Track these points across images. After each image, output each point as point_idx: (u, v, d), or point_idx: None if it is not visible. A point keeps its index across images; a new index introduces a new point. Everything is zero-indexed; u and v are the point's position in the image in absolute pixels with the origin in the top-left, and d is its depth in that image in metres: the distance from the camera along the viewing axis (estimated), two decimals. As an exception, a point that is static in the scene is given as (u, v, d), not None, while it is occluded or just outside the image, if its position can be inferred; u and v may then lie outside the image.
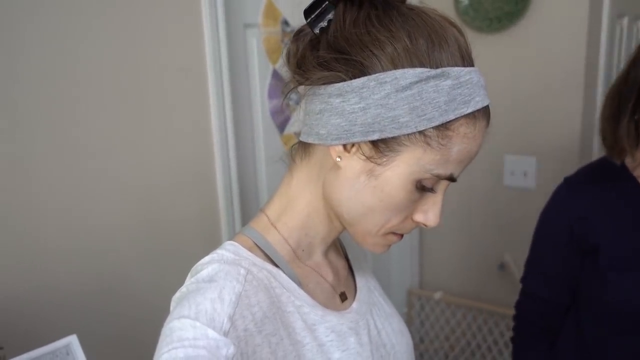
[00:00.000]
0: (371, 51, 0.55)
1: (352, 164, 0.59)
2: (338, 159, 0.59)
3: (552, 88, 1.84)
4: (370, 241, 0.64)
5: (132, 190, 1.31)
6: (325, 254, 0.71)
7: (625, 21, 2.04)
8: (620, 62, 2.05)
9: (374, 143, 0.57)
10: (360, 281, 0.76)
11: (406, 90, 0.54)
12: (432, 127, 0.55)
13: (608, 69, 1.91)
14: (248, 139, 1.66)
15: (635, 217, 1.07)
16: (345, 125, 0.57)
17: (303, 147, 0.66)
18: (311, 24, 0.59)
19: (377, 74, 0.55)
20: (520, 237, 2.04)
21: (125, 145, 1.29)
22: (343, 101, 0.56)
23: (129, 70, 1.27)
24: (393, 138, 0.56)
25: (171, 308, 0.56)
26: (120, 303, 1.31)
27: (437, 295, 2.24)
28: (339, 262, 0.75)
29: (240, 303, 0.55)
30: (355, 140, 0.57)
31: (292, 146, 0.68)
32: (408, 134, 0.55)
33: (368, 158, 0.58)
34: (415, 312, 2.37)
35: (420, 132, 0.55)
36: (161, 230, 1.39)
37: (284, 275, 0.63)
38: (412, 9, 0.58)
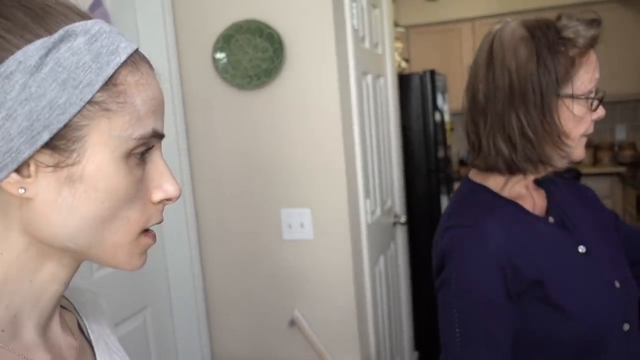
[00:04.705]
0: None
1: (43, 185, 0.48)
2: (22, 191, 0.47)
3: (314, 141, 1.91)
4: (124, 257, 0.53)
5: None
6: (44, 329, 0.55)
7: (369, 78, 2.27)
8: (371, 112, 2.26)
9: (50, 145, 0.46)
10: None
11: (42, 68, 0.45)
12: (98, 91, 0.47)
13: (361, 119, 2.07)
14: None
15: (543, 239, 0.99)
16: (2, 147, 0.45)
17: None
18: None
19: None
20: (307, 290, 2.04)
21: None
22: None
23: None
24: (66, 126, 0.46)
25: None
26: None
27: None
28: (66, 340, 0.58)
29: None
30: (25, 156, 0.46)
31: None
32: (79, 112, 0.47)
33: (56, 166, 0.47)
34: (210, 389, 2.17)
35: (90, 102, 0.47)
36: None
37: None
38: None
